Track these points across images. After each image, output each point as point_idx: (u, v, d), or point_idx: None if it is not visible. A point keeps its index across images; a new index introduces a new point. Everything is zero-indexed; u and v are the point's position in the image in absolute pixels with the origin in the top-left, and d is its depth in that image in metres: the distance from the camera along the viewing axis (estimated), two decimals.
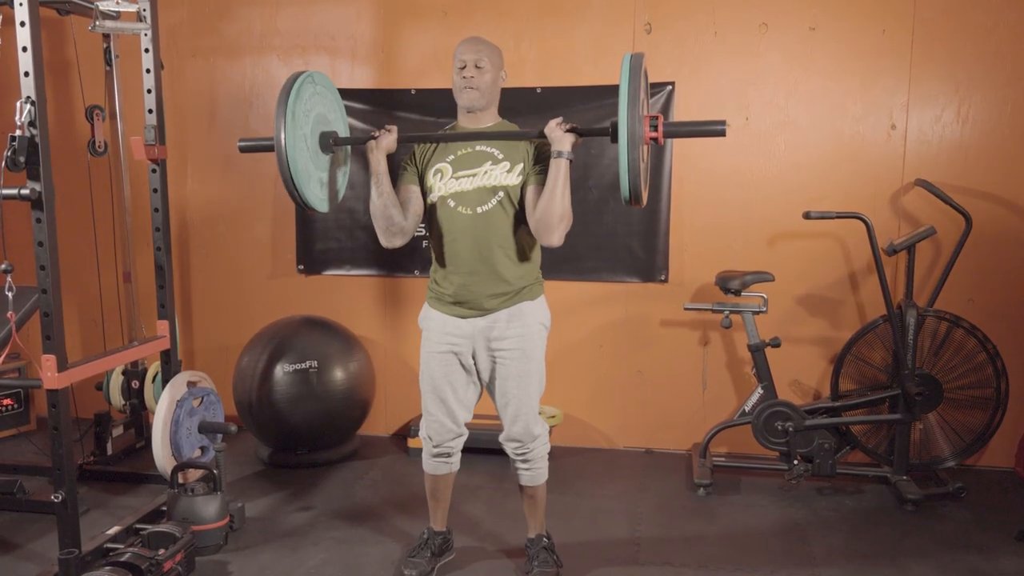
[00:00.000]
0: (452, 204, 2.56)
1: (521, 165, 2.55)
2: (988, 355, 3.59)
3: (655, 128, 2.29)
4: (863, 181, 3.78)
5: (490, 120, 2.63)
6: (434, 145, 2.64)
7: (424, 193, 2.63)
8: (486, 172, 2.55)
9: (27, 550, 3.00)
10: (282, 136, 2.43)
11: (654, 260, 3.98)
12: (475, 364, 2.66)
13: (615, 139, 2.28)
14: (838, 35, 3.73)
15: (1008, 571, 2.86)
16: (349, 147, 2.83)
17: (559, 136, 2.42)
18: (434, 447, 2.74)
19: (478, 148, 2.58)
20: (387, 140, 2.58)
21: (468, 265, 2.56)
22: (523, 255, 2.61)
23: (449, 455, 2.76)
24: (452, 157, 2.59)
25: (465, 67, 2.55)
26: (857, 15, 3.70)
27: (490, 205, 2.54)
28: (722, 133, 2.34)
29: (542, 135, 2.45)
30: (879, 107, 3.74)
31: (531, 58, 3.98)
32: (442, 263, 2.63)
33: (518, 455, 2.70)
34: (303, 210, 2.59)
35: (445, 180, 2.57)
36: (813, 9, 3.73)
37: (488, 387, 2.70)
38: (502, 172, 2.55)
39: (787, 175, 3.85)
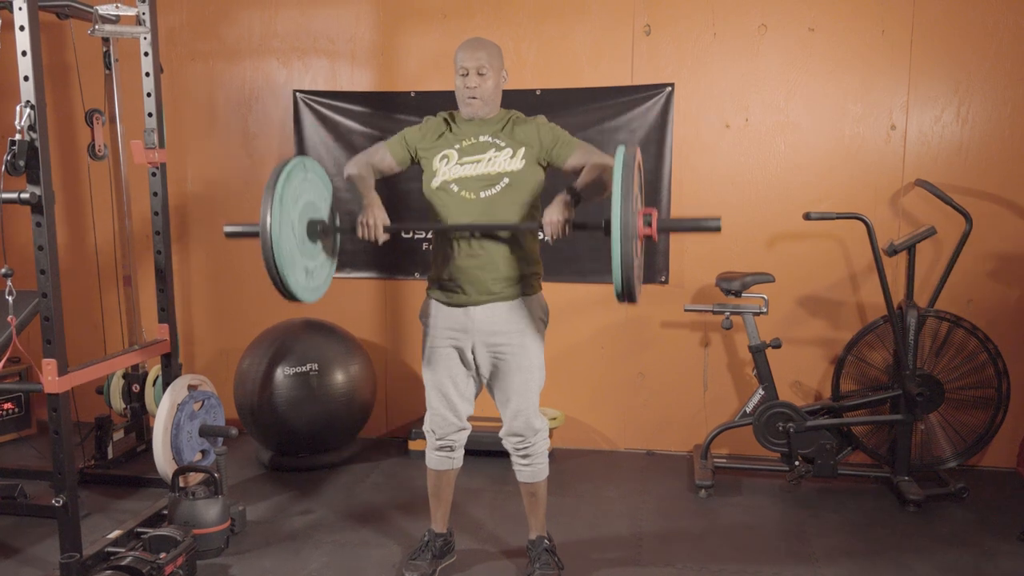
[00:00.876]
0: (455, 189, 2.57)
1: (523, 150, 2.57)
2: (989, 355, 3.59)
3: (649, 224, 2.22)
4: (863, 182, 3.78)
5: (493, 114, 2.65)
6: (439, 133, 2.64)
7: (427, 178, 2.64)
8: (490, 159, 2.56)
9: (28, 554, 3.00)
10: (268, 220, 2.29)
11: (654, 261, 3.98)
12: (474, 359, 2.67)
13: (608, 233, 2.20)
14: (837, 36, 3.73)
15: (1010, 572, 2.85)
16: (338, 238, 2.70)
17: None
18: (437, 440, 2.75)
19: (482, 139, 2.59)
20: (381, 236, 2.51)
21: (469, 248, 2.57)
22: (523, 244, 2.62)
23: (452, 448, 2.77)
24: (458, 146, 2.60)
25: (468, 75, 2.55)
26: (856, 16, 3.70)
27: (495, 190, 2.55)
28: (717, 229, 2.28)
29: (541, 227, 2.44)
30: (879, 108, 3.74)
31: (530, 60, 3.99)
32: (443, 250, 2.63)
33: (519, 450, 2.71)
34: (285, 299, 2.46)
35: (450, 165, 2.58)
36: (812, 10, 3.73)
37: (488, 383, 2.71)
38: (506, 159, 2.57)
39: (787, 176, 3.85)
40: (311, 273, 2.54)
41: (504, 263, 2.58)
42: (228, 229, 2.59)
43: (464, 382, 2.70)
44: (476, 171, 2.56)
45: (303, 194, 2.47)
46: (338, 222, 2.65)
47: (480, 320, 2.61)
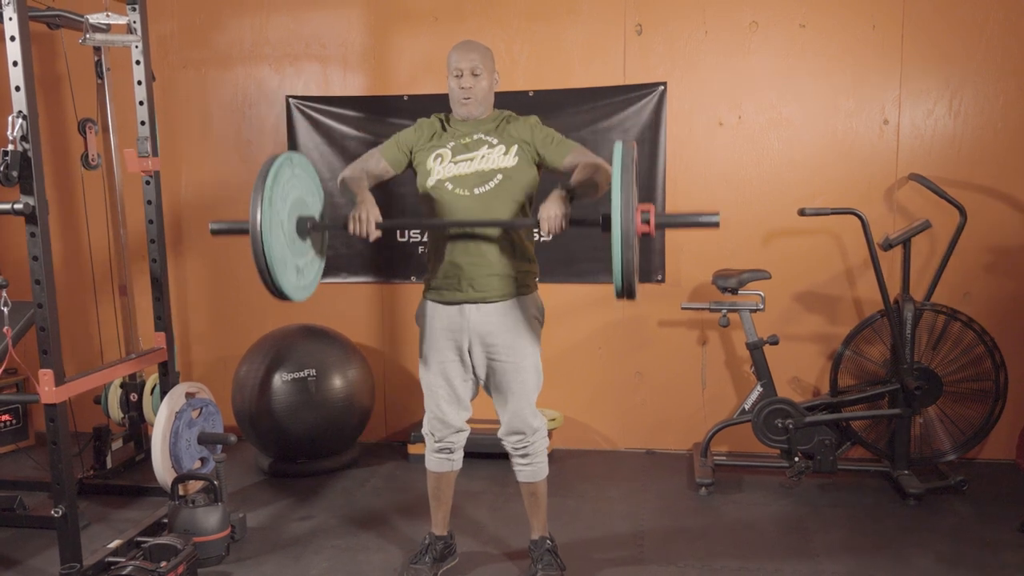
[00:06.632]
0: (450, 187, 2.57)
1: (516, 147, 2.58)
2: (986, 347, 3.60)
3: (647, 222, 2.17)
4: (857, 177, 3.79)
5: (487, 115, 2.66)
6: (433, 133, 2.65)
7: (421, 178, 2.64)
8: (483, 156, 2.58)
9: (28, 566, 2.99)
10: (258, 218, 2.23)
11: (650, 260, 3.98)
12: (471, 359, 2.67)
13: (606, 230, 2.17)
14: (828, 31, 3.74)
15: (1011, 563, 2.86)
16: (326, 235, 2.66)
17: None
18: (436, 442, 2.75)
19: (475, 137, 2.60)
20: (373, 232, 2.45)
21: (464, 246, 2.57)
22: (518, 240, 2.62)
23: (451, 451, 2.77)
24: (452, 144, 2.61)
25: (462, 76, 2.57)
26: (847, 11, 3.71)
27: (489, 187, 2.56)
28: (715, 224, 2.25)
29: (538, 223, 2.36)
30: (871, 102, 3.74)
31: (522, 62, 3.99)
32: (438, 249, 2.63)
33: (517, 450, 2.70)
34: (276, 297, 2.41)
35: (444, 164, 2.59)
36: (803, 6, 3.74)
37: (484, 384, 2.71)
38: (499, 155, 2.58)
39: (781, 172, 3.85)
40: (301, 271, 2.50)
41: (498, 260, 2.58)
42: (214, 226, 2.52)
43: (462, 385, 2.70)
44: (470, 168, 2.57)
45: (292, 191, 2.42)
46: (327, 220, 2.61)
47: (475, 319, 2.61)
